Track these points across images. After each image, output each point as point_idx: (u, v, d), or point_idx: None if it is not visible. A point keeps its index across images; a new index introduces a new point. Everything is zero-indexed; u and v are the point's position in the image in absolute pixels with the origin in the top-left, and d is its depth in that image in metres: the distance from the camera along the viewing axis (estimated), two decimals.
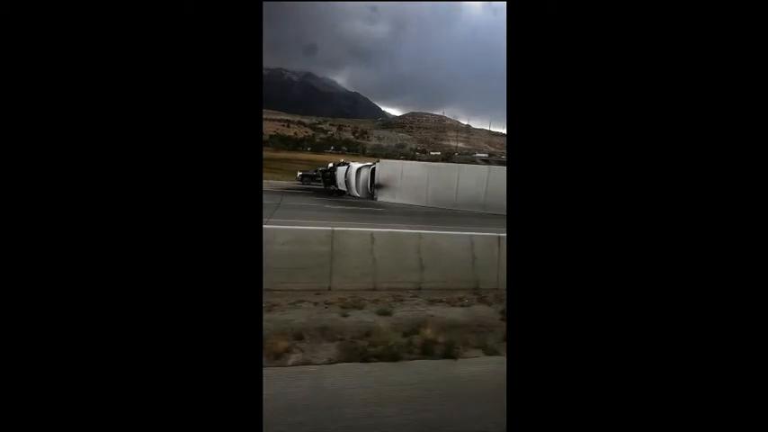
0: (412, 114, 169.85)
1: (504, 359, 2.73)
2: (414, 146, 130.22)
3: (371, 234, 4.82)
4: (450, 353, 3.19)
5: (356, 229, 5.40)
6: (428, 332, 3.38)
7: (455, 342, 3.32)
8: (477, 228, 6.63)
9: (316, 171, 20.37)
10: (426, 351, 3.17)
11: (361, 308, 4.11)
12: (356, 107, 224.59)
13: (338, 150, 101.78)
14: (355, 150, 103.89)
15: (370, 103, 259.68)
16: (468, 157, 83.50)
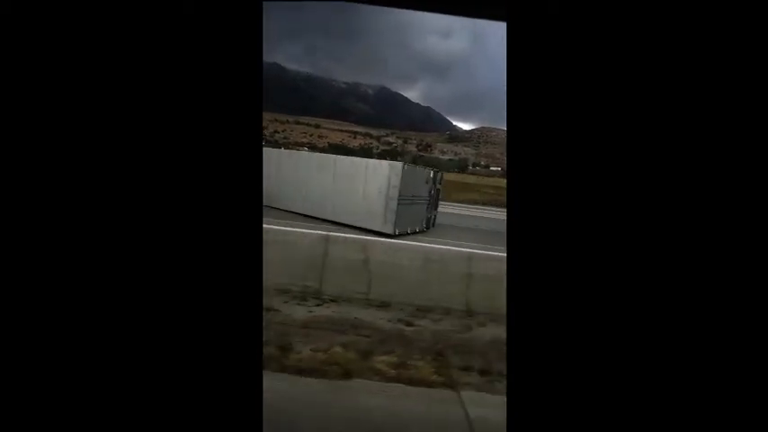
0: (481, 129, 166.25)
1: None
2: (477, 161, 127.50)
3: None
4: None
5: None
6: None
7: None
8: None
9: None
10: None
11: None
12: (428, 121, 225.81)
13: (393, 161, 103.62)
14: (414, 162, 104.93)
15: (442, 117, 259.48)
16: None
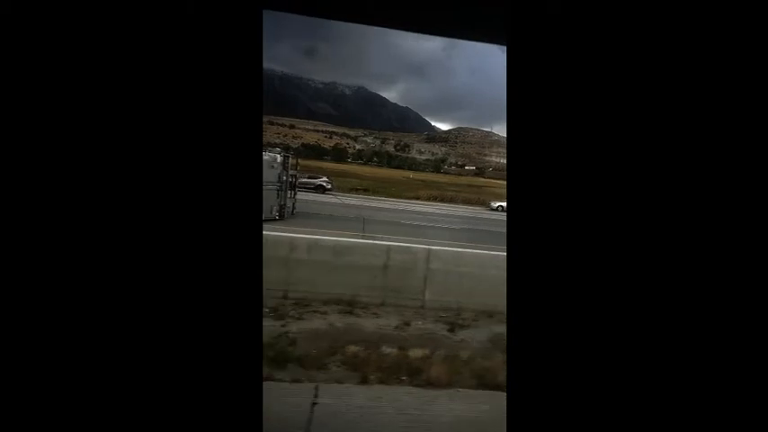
0: (458, 129, 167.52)
1: None
2: (453, 160, 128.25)
3: None
4: None
5: None
6: None
7: None
8: None
9: None
10: None
11: None
12: (406, 121, 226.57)
13: (369, 161, 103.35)
14: (388, 162, 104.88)
15: (420, 117, 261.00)
16: (500, 173, 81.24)
